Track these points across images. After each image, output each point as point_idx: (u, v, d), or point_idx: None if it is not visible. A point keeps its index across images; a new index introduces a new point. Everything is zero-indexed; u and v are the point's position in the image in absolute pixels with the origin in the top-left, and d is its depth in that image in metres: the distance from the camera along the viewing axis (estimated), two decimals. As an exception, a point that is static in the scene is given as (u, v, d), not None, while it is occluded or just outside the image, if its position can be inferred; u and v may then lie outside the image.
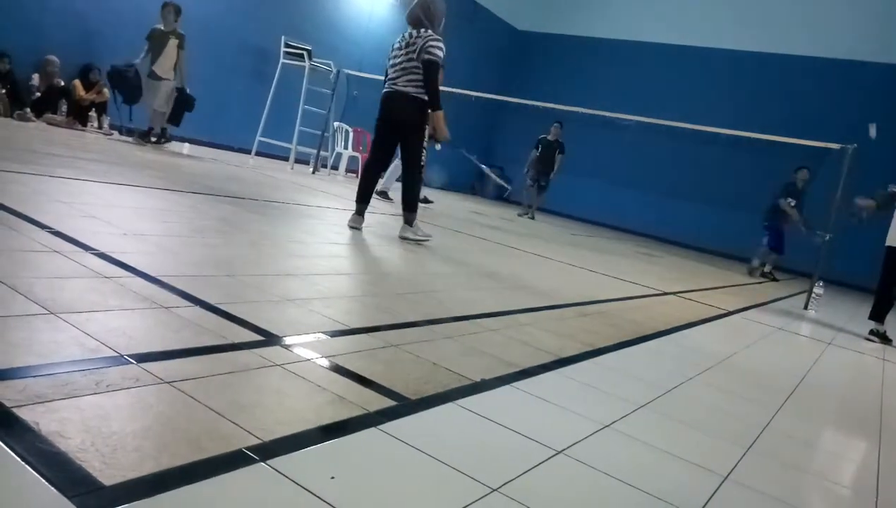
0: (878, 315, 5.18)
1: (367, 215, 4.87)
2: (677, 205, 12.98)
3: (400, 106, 4.50)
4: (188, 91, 7.99)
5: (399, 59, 4.49)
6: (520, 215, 11.14)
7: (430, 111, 4.48)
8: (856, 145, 5.94)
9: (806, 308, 6.09)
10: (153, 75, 7.58)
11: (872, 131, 6.65)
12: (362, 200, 4.74)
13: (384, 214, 6.23)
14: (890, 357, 4.48)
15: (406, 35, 4.51)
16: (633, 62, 13.34)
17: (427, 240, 4.63)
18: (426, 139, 4.55)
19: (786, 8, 12.02)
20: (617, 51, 13.51)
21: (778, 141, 7.04)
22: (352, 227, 4.66)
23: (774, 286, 8.17)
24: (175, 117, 7.96)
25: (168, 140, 7.99)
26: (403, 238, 4.58)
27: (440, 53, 4.37)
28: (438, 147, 5.11)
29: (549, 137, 11.01)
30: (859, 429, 2.54)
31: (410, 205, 4.58)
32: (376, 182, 4.89)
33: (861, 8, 11.28)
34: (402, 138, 4.59)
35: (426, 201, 7.84)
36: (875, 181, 9.68)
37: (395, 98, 4.51)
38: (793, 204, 8.42)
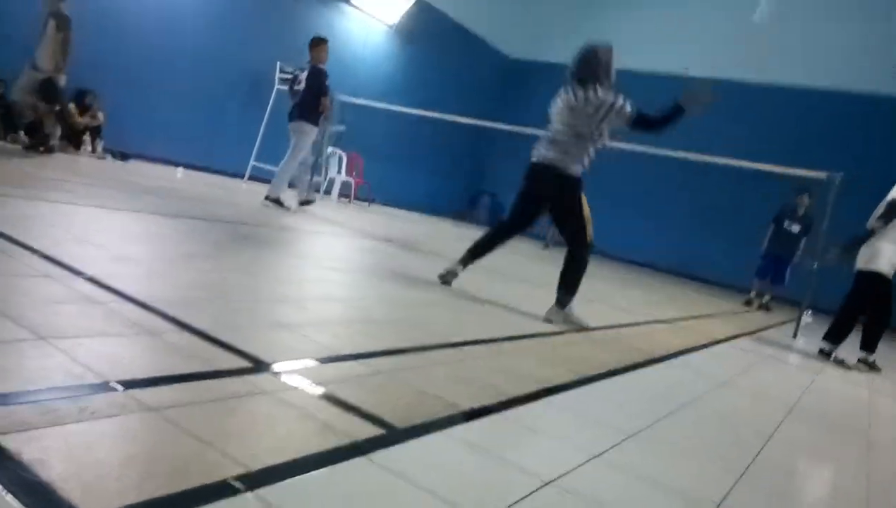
0: (839, 336, 5.08)
1: (352, 240, 4.86)
2: (666, 231, 13.05)
3: (547, 180, 3.86)
4: (60, 81, 6.79)
5: (558, 123, 3.87)
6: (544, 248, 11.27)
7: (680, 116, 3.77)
8: (842, 174, 6.02)
9: (795, 336, 6.11)
10: (31, 64, 6.60)
11: (761, 14, 6.57)
12: (474, 255, 4.15)
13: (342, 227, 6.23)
14: (879, 386, 4.49)
15: (569, 95, 3.82)
16: (624, 91, 13.51)
17: (578, 327, 3.79)
18: (587, 210, 3.96)
19: (781, 39, 12.23)
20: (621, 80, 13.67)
21: (764, 169, 7.11)
22: (443, 276, 4.12)
23: (764, 314, 8.20)
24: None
25: (49, 149, 6.87)
26: (551, 321, 3.79)
27: (629, 106, 3.77)
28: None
29: None
30: (849, 459, 2.54)
31: (569, 285, 3.86)
32: (496, 247, 4.20)
33: (852, 40, 11.51)
34: (557, 216, 3.99)
35: (308, 202, 7.41)
36: (863, 208, 9.80)
37: (540, 171, 3.88)
38: (795, 228, 8.33)
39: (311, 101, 6.93)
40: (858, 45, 11.38)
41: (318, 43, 7.16)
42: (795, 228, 8.32)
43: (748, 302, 8.79)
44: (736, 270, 11.45)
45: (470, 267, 4.18)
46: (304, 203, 7.44)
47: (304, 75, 7.08)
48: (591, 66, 3.80)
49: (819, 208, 6.04)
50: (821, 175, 6.27)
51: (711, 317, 6.46)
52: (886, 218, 4.68)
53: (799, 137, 11.73)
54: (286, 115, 7.20)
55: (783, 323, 7.32)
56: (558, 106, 3.88)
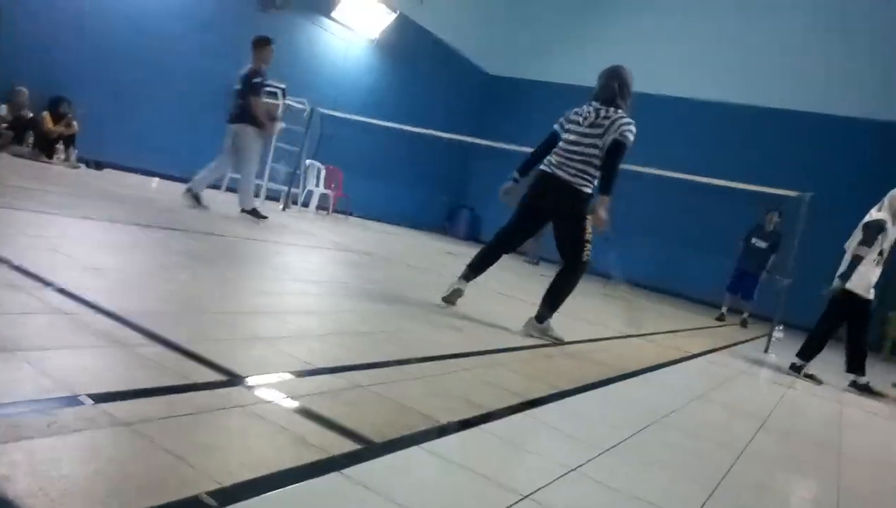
0: (809, 353, 5.14)
1: (313, 252, 4.83)
2: (640, 246, 13.18)
3: (557, 195, 3.79)
4: None
5: (574, 137, 3.78)
6: (526, 262, 11.51)
7: (600, 194, 3.73)
8: (811, 194, 6.15)
9: (766, 351, 6.20)
10: None
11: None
12: (476, 270, 4.08)
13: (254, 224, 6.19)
14: (848, 400, 4.57)
15: (591, 110, 3.78)
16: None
17: (555, 342, 3.79)
18: (588, 232, 3.83)
19: (755, 60, 12.50)
20: (586, 96, 13.89)
21: (738, 187, 7.25)
22: (448, 297, 4.00)
23: (736, 329, 8.31)
24: None
25: None
26: (529, 335, 3.80)
27: (633, 139, 3.69)
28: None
29: None
30: (820, 472, 2.58)
31: (553, 302, 3.84)
32: (498, 259, 4.15)
33: (826, 64, 11.80)
34: (559, 230, 3.90)
35: (260, 215, 6.74)
36: (835, 227, 10.01)
37: (553, 185, 3.79)
38: (761, 243, 8.55)
39: (243, 104, 6.65)
40: (832, 70, 11.69)
41: (259, 42, 6.82)
42: (762, 244, 8.58)
43: (721, 317, 8.93)
44: (710, 285, 11.60)
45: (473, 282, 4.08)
46: (196, 198, 6.67)
47: (240, 77, 6.79)
48: (621, 88, 3.81)
49: (789, 226, 6.16)
50: (791, 193, 6.41)
51: (686, 332, 6.54)
52: (867, 241, 4.74)
53: (772, 157, 11.97)
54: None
55: (755, 338, 7.43)
56: (578, 123, 3.80)
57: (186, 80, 9.15)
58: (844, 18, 11.57)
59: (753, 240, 8.68)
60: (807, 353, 5.16)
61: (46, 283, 2.31)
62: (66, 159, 7.89)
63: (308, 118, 9.71)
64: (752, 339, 7.28)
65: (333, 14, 11.31)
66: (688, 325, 7.38)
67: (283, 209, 9.50)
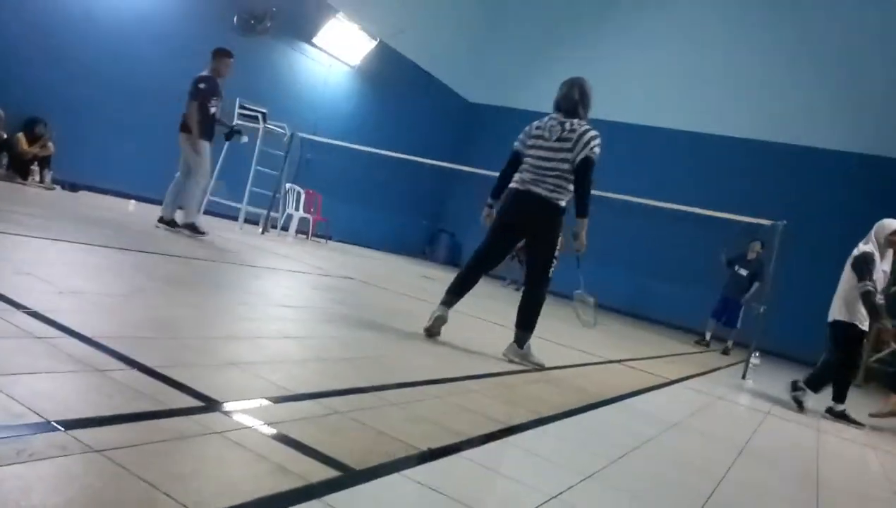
0: (841, 395, 4.99)
1: (297, 278, 4.80)
2: (617, 273, 13.31)
3: (535, 211, 3.76)
4: None
5: (543, 153, 3.74)
6: (505, 286, 11.69)
7: (577, 216, 3.72)
8: (785, 222, 6.27)
9: (744, 377, 6.26)
10: None
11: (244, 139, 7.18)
12: (456, 294, 3.96)
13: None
14: (825, 428, 4.61)
15: (554, 124, 3.76)
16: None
17: (539, 369, 3.76)
18: (557, 248, 3.81)
19: (730, 93, 12.82)
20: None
21: (716, 216, 7.37)
22: (431, 327, 3.85)
23: (714, 355, 8.38)
24: None
25: None
26: (510, 360, 3.79)
27: (599, 152, 3.66)
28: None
29: None
30: (798, 499, 2.59)
31: (527, 323, 3.82)
32: (478, 280, 4.05)
33: (802, 97, 12.15)
34: (532, 246, 3.87)
35: (199, 231, 6.44)
36: (802, 254, 10.19)
37: (530, 201, 3.75)
38: (743, 272, 8.73)
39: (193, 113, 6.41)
40: (808, 103, 12.04)
41: (218, 53, 6.70)
42: (744, 272, 8.83)
43: (701, 342, 9.07)
44: (687, 312, 11.73)
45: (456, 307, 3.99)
46: (170, 223, 6.50)
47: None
48: (582, 99, 3.80)
49: (768, 255, 6.27)
50: (765, 222, 6.53)
51: (665, 358, 6.57)
52: (863, 275, 4.76)
53: (747, 186, 12.22)
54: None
55: (732, 364, 7.50)
56: (544, 138, 3.77)
57: (164, 103, 9.09)
58: (816, 54, 11.95)
59: (737, 268, 8.93)
60: (840, 395, 5.01)
61: (18, 306, 2.26)
62: (41, 181, 7.79)
63: (288, 142, 9.71)
64: (729, 366, 7.34)
65: (315, 40, 11.41)
66: (666, 351, 7.42)
67: (262, 233, 9.44)
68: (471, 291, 4.06)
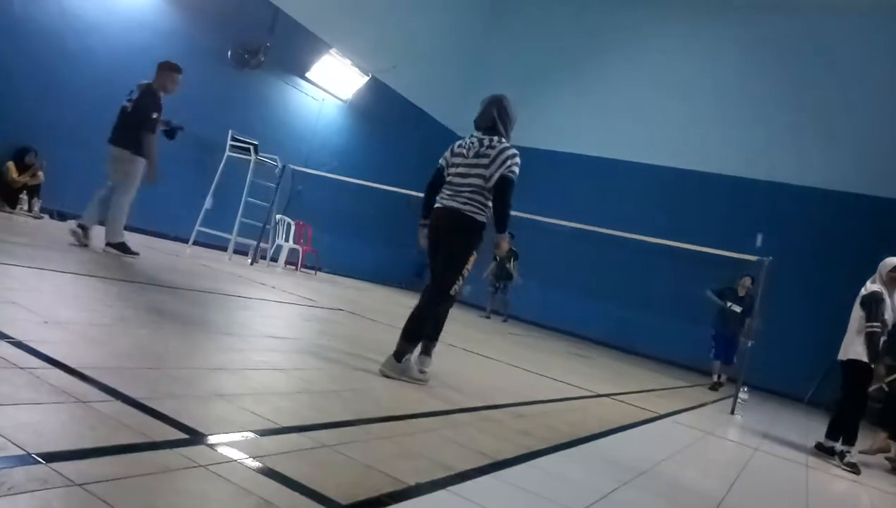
0: (850, 438, 4.80)
1: (289, 310, 4.75)
2: (606, 307, 13.35)
3: (449, 223, 3.66)
4: None
5: (462, 169, 3.67)
6: (482, 317, 11.83)
7: (496, 232, 3.62)
8: (771, 257, 6.33)
9: (733, 412, 6.24)
10: None
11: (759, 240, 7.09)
12: (409, 339, 3.60)
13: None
14: (813, 464, 4.60)
15: (473, 141, 3.70)
16: (568, 172, 14.09)
17: (415, 381, 3.53)
18: (471, 263, 3.68)
19: (718, 132, 13.07)
20: (552, 161, 14.28)
21: (703, 251, 7.43)
22: (385, 373, 3.53)
23: (702, 391, 8.36)
24: None
25: None
26: (386, 375, 3.51)
27: (518, 172, 3.58)
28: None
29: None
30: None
31: (412, 334, 3.60)
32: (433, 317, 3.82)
33: (785, 136, 12.41)
34: (445, 255, 3.68)
35: (129, 250, 5.99)
36: (791, 292, 10.27)
37: (446, 215, 3.67)
38: (736, 308, 8.59)
39: (138, 127, 6.00)
40: (792, 141, 12.30)
41: (166, 68, 6.28)
42: (737, 309, 8.62)
43: (715, 386, 8.69)
44: (674, 345, 11.76)
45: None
46: (82, 229, 5.94)
47: (136, 95, 6.12)
48: (501, 117, 3.74)
49: (755, 291, 6.31)
50: (751, 258, 6.59)
51: (650, 392, 6.56)
52: (873, 316, 4.74)
53: (734, 222, 12.38)
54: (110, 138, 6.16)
55: (720, 399, 7.48)
56: (464, 155, 3.70)
57: (156, 135, 9.15)
58: (800, 94, 12.26)
59: (729, 305, 8.72)
60: (848, 437, 4.83)
61: (2, 336, 2.23)
62: (30, 210, 7.75)
63: (279, 174, 9.76)
64: (717, 401, 7.33)
65: (308, 75, 11.55)
66: (655, 385, 7.41)
67: (252, 263, 9.41)
68: (455, 329, 4.04)
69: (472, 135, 3.77)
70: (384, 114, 13.46)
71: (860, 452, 5.11)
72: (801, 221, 12.07)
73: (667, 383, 8.20)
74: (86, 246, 5.85)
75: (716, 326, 8.78)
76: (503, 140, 3.67)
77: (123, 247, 5.96)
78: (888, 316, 4.78)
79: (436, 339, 3.81)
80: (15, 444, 1.41)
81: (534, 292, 13.33)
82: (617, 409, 4.71)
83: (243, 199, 9.40)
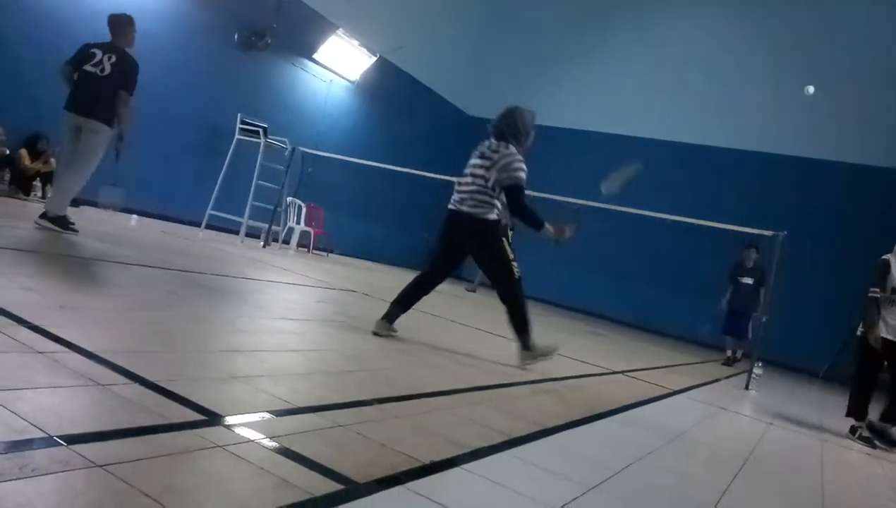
0: (858, 413, 4.70)
1: (302, 291, 4.79)
2: (623, 285, 13.32)
3: (464, 229, 3.92)
4: None
5: (467, 171, 3.97)
6: (467, 289, 11.49)
7: (538, 230, 3.92)
8: (786, 232, 6.27)
9: (747, 388, 6.23)
10: None
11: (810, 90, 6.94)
12: (400, 305, 4.05)
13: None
14: (828, 437, 4.58)
15: (484, 145, 3.98)
16: (577, 149, 13.97)
17: (551, 356, 4.03)
18: (510, 250, 3.93)
19: (721, 102, 12.90)
20: (564, 138, 14.16)
21: (717, 227, 7.37)
22: (375, 333, 3.96)
23: (716, 366, 8.34)
24: None
25: None
26: (527, 366, 3.97)
27: (524, 176, 3.82)
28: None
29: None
30: (804, 510, 2.57)
31: (520, 326, 3.95)
32: (425, 294, 4.18)
33: (799, 109, 12.21)
34: (482, 262, 4.06)
35: (68, 226, 5.31)
36: (804, 265, 10.18)
37: (456, 219, 3.94)
38: (748, 280, 8.48)
39: (115, 98, 5.44)
40: (807, 115, 12.08)
41: (125, 21, 5.65)
42: (749, 281, 8.50)
43: (728, 361, 8.64)
44: (688, 323, 11.70)
45: (403, 317, 4.08)
46: (60, 222, 5.31)
47: (106, 58, 5.44)
48: (510, 125, 3.95)
49: (767, 264, 6.25)
50: (766, 233, 6.53)
51: (668, 369, 6.55)
52: (875, 282, 4.66)
53: (749, 197, 12.24)
54: (73, 104, 5.49)
55: (735, 374, 7.47)
56: (470, 161, 4.00)
57: (166, 118, 9.16)
58: (815, 67, 12.02)
59: (740, 279, 8.60)
60: (856, 412, 4.73)
61: (19, 321, 2.26)
62: (43, 196, 7.81)
63: (289, 157, 9.75)
64: (732, 376, 7.31)
65: (315, 56, 11.49)
66: (669, 362, 7.40)
67: (264, 246, 9.45)
68: (466, 307, 4.12)
69: (488, 138, 4.01)
70: (393, 95, 13.39)
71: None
72: (816, 195, 11.93)
73: (682, 359, 8.19)
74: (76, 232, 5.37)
75: (730, 303, 8.67)
76: (509, 146, 3.88)
77: (63, 222, 5.28)
78: (894, 284, 4.64)
79: (526, 331, 3.97)
80: (36, 427, 1.43)
81: (549, 271, 13.29)
82: (631, 386, 4.71)
83: (254, 182, 9.42)
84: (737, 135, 12.78)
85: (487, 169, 3.83)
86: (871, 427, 4.61)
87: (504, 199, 3.87)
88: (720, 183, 12.84)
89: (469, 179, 3.92)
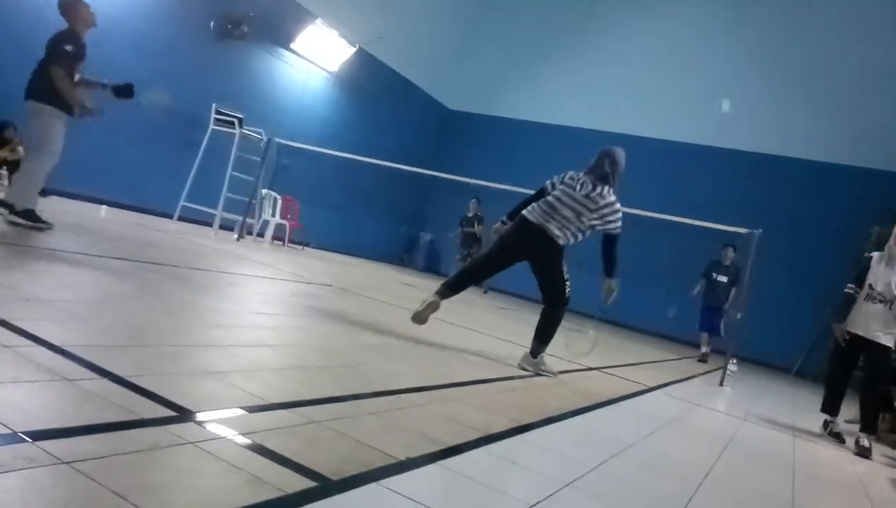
0: (829, 408, 4.76)
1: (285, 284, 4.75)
2: (598, 282, 13.43)
3: (539, 243, 4.13)
4: None
5: (567, 200, 4.10)
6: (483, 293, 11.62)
7: (608, 277, 4.31)
8: (761, 230, 6.36)
9: (721, 384, 6.32)
10: None
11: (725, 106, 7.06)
12: (450, 289, 4.21)
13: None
14: (800, 436, 4.67)
15: (586, 182, 4.10)
16: (556, 144, 14.00)
17: (549, 375, 4.13)
18: (565, 272, 4.22)
19: (699, 99, 13.03)
20: (541, 133, 14.20)
21: (694, 224, 7.45)
22: (420, 313, 4.04)
23: (691, 363, 8.45)
24: None
25: None
26: (523, 368, 4.11)
27: (621, 225, 4.16)
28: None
29: (469, 213, 11.73)
30: (777, 502, 2.61)
31: (543, 337, 4.16)
32: (471, 285, 4.42)
33: (775, 108, 12.38)
34: (542, 273, 4.27)
35: (40, 221, 4.95)
36: (778, 263, 10.33)
37: (537, 234, 4.12)
38: (722, 278, 8.71)
39: (46, 72, 5.05)
40: (782, 113, 12.26)
41: (75, 2, 5.29)
42: (723, 279, 8.72)
43: (703, 359, 8.70)
44: (663, 319, 11.83)
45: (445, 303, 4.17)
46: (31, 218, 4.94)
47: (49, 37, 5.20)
48: (613, 166, 4.15)
49: (742, 262, 6.33)
50: (741, 230, 6.62)
51: (643, 365, 6.62)
52: (856, 279, 4.72)
53: (723, 195, 12.39)
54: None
55: (709, 371, 7.57)
56: (574, 188, 4.12)
57: (137, 108, 8.97)
58: (790, 64, 12.20)
59: (715, 276, 8.80)
60: (826, 407, 4.80)
61: (-16, 314, 2.19)
62: (10, 186, 7.62)
63: (265, 148, 9.63)
64: (707, 373, 7.41)
65: (293, 46, 11.35)
66: (644, 359, 7.48)
67: (238, 239, 9.33)
68: (447, 304, 4.18)
69: (586, 174, 4.17)
70: (372, 86, 13.29)
71: (846, 422, 5.16)
72: (790, 193, 12.12)
73: (657, 356, 8.28)
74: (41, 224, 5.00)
75: (704, 298, 8.85)
76: (612, 191, 4.12)
77: (31, 216, 4.91)
78: (873, 281, 4.70)
79: (543, 343, 4.20)
80: (1, 423, 1.39)
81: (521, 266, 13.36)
82: (607, 382, 4.75)
83: (228, 174, 9.30)
84: (714, 132, 12.92)
85: (591, 211, 4.06)
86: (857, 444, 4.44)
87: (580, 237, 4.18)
88: (697, 180, 12.97)
89: (568, 210, 4.09)
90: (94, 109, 5.34)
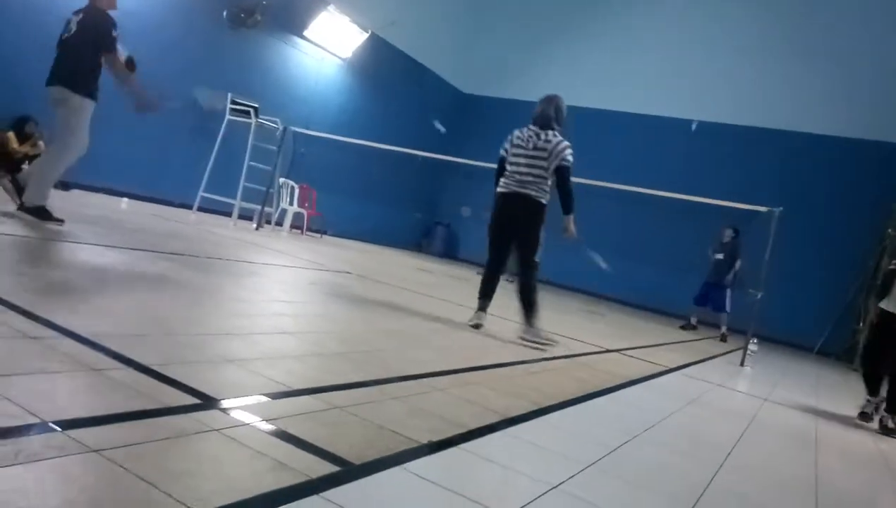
0: (871, 391, 4.59)
1: (313, 272, 4.78)
2: (619, 263, 13.33)
3: (521, 207, 4.34)
4: None
5: (523, 160, 4.33)
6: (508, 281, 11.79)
7: (564, 214, 4.39)
8: (781, 208, 6.27)
9: (742, 364, 6.27)
10: None
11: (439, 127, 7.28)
12: (485, 296, 4.55)
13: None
14: (822, 416, 4.63)
15: (531, 135, 4.36)
16: (571, 125, 13.91)
17: (551, 345, 4.29)
18: (542, 236, 4.46)
19: (711, 78, 12.82)
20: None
21: (714, 204, 7.39)
22: (474, 326, 4.40)
23: (712, 343, 8.40)
24: None
25: None
26: (523, 338, 4.28)
27: (573, 160, 4.32)
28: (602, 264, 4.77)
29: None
30: (796, 487, 2.60)
31: (528, 305, 4.32)
32: (498, 280, 4.65)
33: (793, 84, 12.14)
34: (518, 236, 4.44)
35: (52, 217, 4.67)
36: (800, 242, 10.19)
37: (517, 199, 4.34)
38: (718, 255, 9.05)
39: (85, 59, 4.72)
40: (801, 89, 12.01)
41: None
42: (719, 256, 9.10)
43: (686, 327, 9.34)
44: (677, 298, 11.73)
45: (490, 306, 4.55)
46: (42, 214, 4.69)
47: (74, 19, 4.83)
48: (557, 112, 4.40)
49: (763, 240, 6.24)
50: (761, 209, 6.52)
51: (662, 347, 6.58)
52: (892, 254, 4.69)
53: (744, 173, 12.23)
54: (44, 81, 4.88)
55: (730, 351, 7.51)
56: (523, 147, 4.34)
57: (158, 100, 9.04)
58: (808, 39, 11.94)
59: (711, 253, 9.26)
60: (867, 387, 4.62)
61: (10, 306, 2.24)
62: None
63: (281, 137, 9.66)
64: (727, 353, 7.36)
65: (305, 33, 11.33)
66: (664, 340, 7.44)
67: (257, 228, 9.40)
68: (463, 288, 4.22)
69: (528, 128, 4.42)
70: (385, 72, 13.24)
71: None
72: (812, 169, 11.91)
73: (678, 337, 8.23)
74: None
75: (707, 275, 9.24)
76: (556, 134, 4.33)
77: (42, 213, 4.67)
78: None
79: (532, 310, 4.34)
80: (31, 413, 1.42)
81: (546, 250, 13.32)
82: (627, 364, 4.74)
83: (245, 163, 9.34)
84: (731, 110, 12.71)
85: (545, 158, 4.26)
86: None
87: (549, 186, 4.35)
88: (716, 159, 12.79)
89: (526, 169, 4.31)
90: (153, 102, 5.09)
